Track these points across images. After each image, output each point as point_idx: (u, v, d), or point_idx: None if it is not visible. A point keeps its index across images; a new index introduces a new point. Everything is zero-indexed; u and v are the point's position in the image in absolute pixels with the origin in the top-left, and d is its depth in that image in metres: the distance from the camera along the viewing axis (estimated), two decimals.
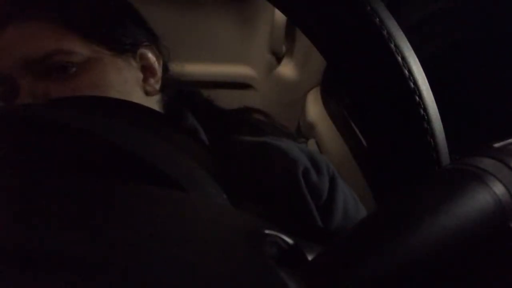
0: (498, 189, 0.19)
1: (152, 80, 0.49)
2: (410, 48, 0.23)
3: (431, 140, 0.23)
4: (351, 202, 0.40)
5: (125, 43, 0.46)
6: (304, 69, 0.96)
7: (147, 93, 0.48)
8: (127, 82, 0.46)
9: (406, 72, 0.22)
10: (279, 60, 0.99)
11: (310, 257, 0.18)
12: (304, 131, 0.99)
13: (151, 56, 0.50)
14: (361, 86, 0.24)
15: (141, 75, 0.48)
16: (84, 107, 0.37)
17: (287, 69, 0.98)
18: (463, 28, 0.70)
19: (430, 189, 0.20)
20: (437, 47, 0.71)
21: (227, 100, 0.57)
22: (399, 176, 0.25)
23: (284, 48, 0.97)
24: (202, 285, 0.15)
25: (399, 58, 0.22)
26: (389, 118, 0.24)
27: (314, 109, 0.96)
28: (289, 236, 0.19)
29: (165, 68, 0.53)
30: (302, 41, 0.93)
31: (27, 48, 0.42)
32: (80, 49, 0.43)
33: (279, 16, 0.92)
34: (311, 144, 0.94)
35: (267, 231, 0.18)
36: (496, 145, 0.22)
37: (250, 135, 0.44)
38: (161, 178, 0.27)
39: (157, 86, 0.50)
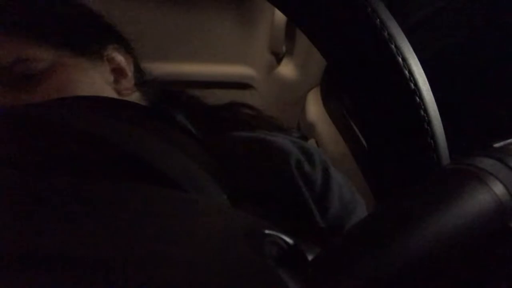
0: (498, 189, 0.19)
1: (123, 81, 0.50)
2: (411, 49, 0.23)
3: (432, 141, 0.23)
4: (347, 192, 0.40)
5: (88, 45, 0.47)
6: (304, 69, 0.96)
7: (119, 93, 0.49)
8: (95, 83, 0.46)
9: (407, 73, 0.22)
10: (279, 60, 0.99)
11: (310, 257, 0.18)
12: (304, 131, 0.99)
13: (119, 57, 0.50)
14: (361, 86, 0.24)
15: (111, 77, 0.49)
16: (81, 107, 0.37)
17: (287, 69, 0.98)
18: (463, 28, 0.70)
19: (430, 189, 0.20)
20: (437, 47, 0.71)
21: (227, 100, 0.57)
22: (399, 176, 0.25)
23: (284, 48, 0.97)
24: (202, 285, 0.15)
25: (400, 59, 0.22)
26: (389, 119, 0.24)
27: (314, 109, 0.96)
28: (289, 236, 0.19)
29: (138, 68, 0.53)
30: (302, 41, 0.93)
31: None
32: (42, 55, 0.43)
33: (279, 16, 0.92)
34: (311, 144, 0.94)
35: (267, 231, 0.18)
36: (496, 145, 0.22)
37: (241, 130, 0.44)
38: (160, 178, 0.27)
39: (129, 86, 0.50)
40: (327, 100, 0.94)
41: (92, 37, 0.48)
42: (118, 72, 0.49)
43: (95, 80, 0.46)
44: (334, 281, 0.16)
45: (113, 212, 0.19)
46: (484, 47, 0.68)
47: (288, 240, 0.19)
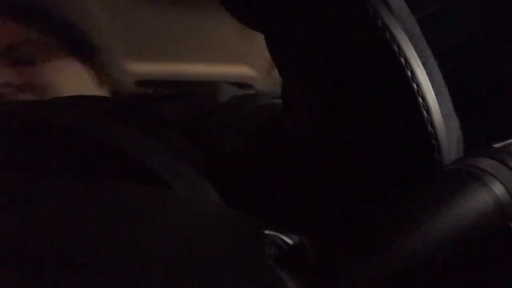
0: (498, 189, 0.19)
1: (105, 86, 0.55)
2: (413, 50, 0.23)
3: (435, 142, 0.23)
4: None
5: (81, 48, 0.52)
6: None
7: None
8: (82, 80, 0.51)
9: (409, 73, 0.22)
10: None
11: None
12: None
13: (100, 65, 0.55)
14: (362, 86, 0.24)
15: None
16: (79, 106, 0.38)
17: None
18: (463, 29, 0.70)
19: (430, 189, 0.20)
20: (440, 47, 0.71)
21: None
22: (399, 177, 0.25)
23: None
24: (201, 285, 0.15)
25: (402, 60, 0.22)
26: (391, 120, 0.24)
27: None
28: (289, 236, 0.19)
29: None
30: None
31: None
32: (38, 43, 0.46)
33: None
34: None
35: (267, 231, 0.18)
36: (496, 145, 0.22)
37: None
38: (154, 178, 0.27)
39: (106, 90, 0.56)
40: None
41: (86, 43, 0.52)
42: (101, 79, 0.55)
43: (84, 78, 0.50)
44: (334, 282, 0.16)
45: (109, 212, 0.19)
46: (483, 47, 0.68)
47: (288, 240, 0.18)
